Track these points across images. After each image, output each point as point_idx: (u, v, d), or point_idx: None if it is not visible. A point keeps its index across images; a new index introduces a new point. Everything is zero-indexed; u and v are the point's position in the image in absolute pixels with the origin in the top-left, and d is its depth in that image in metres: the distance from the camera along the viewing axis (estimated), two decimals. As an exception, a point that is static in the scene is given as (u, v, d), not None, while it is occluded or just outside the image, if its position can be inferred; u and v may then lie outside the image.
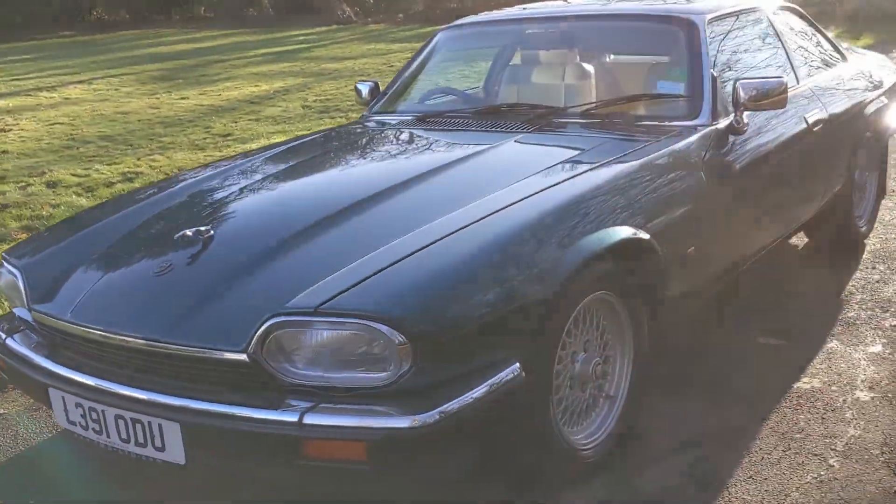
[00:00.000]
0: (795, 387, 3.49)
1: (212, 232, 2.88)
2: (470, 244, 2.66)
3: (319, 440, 2.36)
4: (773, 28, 4.41)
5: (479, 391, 2.43)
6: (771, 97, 3.58)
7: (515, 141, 3.61)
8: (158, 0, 31.35)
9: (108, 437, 2.65)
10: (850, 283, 4.51)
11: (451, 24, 4.64)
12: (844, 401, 3.36)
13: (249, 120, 10.22)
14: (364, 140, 4.05)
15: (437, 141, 3.85)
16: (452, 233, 2.72)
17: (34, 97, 13.37)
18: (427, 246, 2.64)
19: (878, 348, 3.78)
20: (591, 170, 3.19)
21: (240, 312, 2.52)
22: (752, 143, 3.76)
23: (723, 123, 3.63)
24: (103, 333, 2.69)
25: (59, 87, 14.32)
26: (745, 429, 3.21)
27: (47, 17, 33.21)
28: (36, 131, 10.30)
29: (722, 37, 4.07)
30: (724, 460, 3.01)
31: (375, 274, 2.52)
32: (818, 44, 4.87)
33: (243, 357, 2.45)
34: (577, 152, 3.41)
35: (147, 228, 3.17)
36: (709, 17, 3.97)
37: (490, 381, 2.46)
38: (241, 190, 3.42)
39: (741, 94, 3.58)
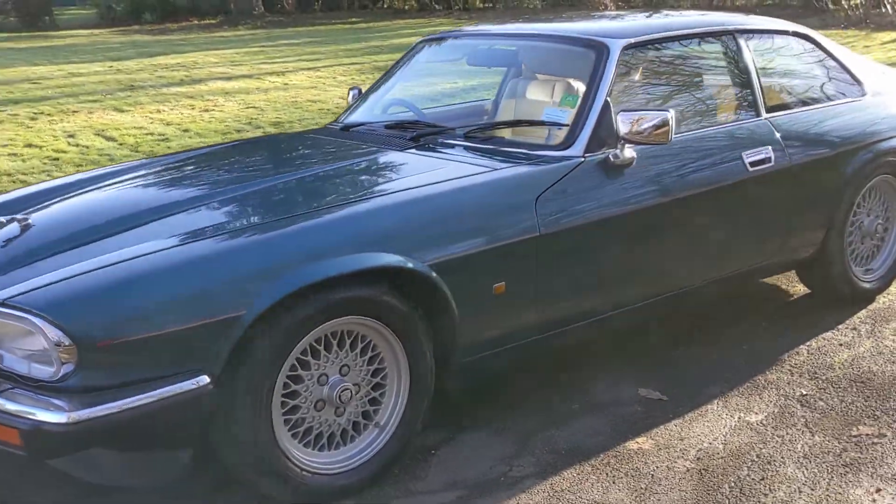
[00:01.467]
0: (623, 445, 3.30)
1: (29, 221, 3.16)
2: (188, 255, 2.77)
3: None
4: (741, 54, 4.07)
5: (148, 397, 2.56)
6: (651, 131, 3.38)
7: (379, 157, 3.66)
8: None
9: None
10: (810, 342, 4.10)
11: (426, 38, 4.65)
12: (656, 468, 3.14)
13: (409, 116, 10.55)
14: (257, 149, 4.21)
15: (316, 153, 3.94)
16: (184, 244, 2.83)
17: (261, 80, 14.47)
18: (146, 255, 2.78)
19: (758, 418, 3.46)
20: (394, 192, 3.20)
21: None
22: (642, 180, 3.54)
23: (600, 157, 3.45)
24: None
25: (289, 73, 15.38)
26: (524, 481, 3.09)
27: (343, 4, 35.50)
28: (229, 113, 11.20)
29: (651, 63, 3.86)
30: (469, 508, 2.93)
31: (75, 276, 2.70)
32: (816, 74, 4.43)
33: None
34: (408, 173, 3.41)
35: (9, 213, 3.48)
36: (632, 41, 3.77)
37: (164, 390, 2.58)
38: (100, 187, 3.66)
39: (620, 126, 3.41)
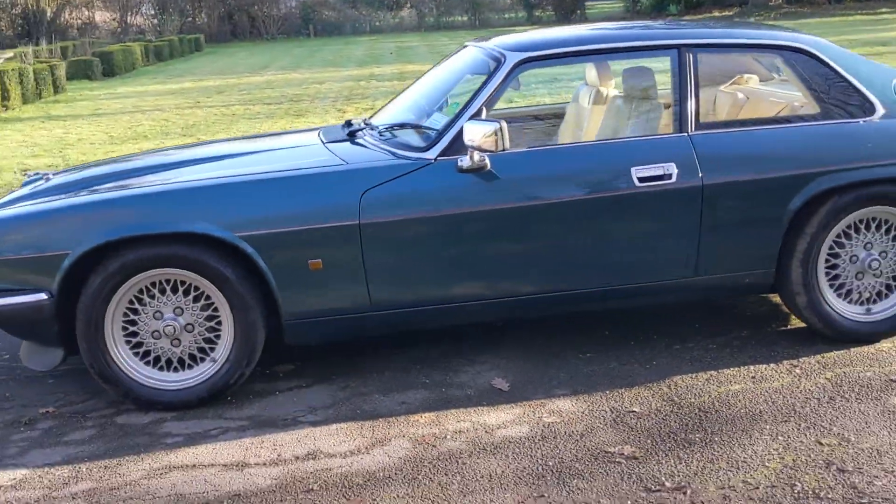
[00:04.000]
0: (405, 416, 3.70)
1: (50, 176, 4.47)
2: (42, 207, 3.90)
3: None
4: (678, 69, 4.02)
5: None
6: (482, 139, 3.71)
7: (294, 148, 4.49)
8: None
9: None
10: (728, 369, 3.96)
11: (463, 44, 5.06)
12: (395, 435, 3.54)
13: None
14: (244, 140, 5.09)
15: (268, 142, 4.84)
16: (52, 199, 3.96)
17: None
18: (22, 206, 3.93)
19: (550, 420, 3.63)
20: (237, 175, 4.00)
21: None
22: (492, 185, 3.81)
23: (450, 161, 3.84)
24: None
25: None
26: (298, 424, 3.69)
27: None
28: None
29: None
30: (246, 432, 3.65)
31: None
32: (803, 92, 4.12)
33: None
34: (281, 161, 4.19)
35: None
36: (531, 54, 4.02)
37: (13, 299, 3.72)
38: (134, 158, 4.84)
39: (464, 134, 3.79)
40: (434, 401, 3.83)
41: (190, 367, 3.90)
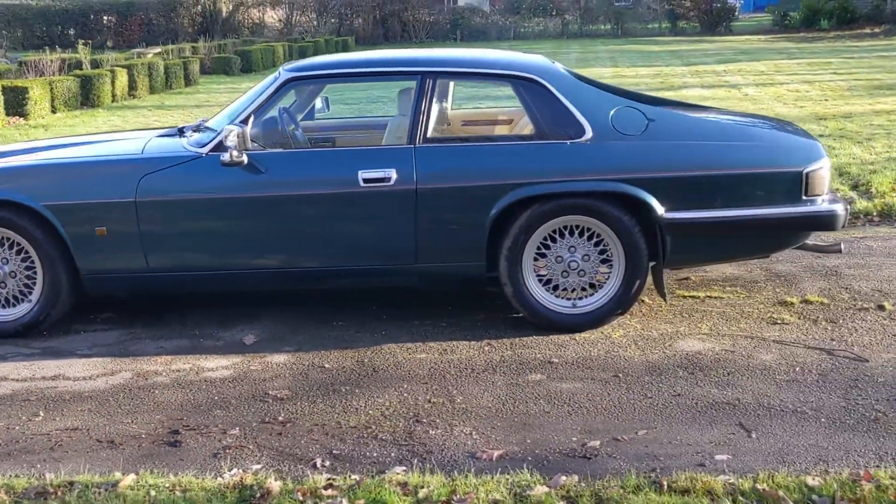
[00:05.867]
0: (151, 358, 4.66)
1: None
2: None
3: None
4: (419, 92, 4.77)
5: None
6: (225, 140, 4.61)
7: (128, 139, 5.44)
8: None
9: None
10: (425, 342, 4.69)
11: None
12: (139, 368, 4.51)
13: None
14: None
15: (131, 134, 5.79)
16: None
17: (728, 91, 15.05)
18: None
19: (254, 366, 4.50)
20: (55, 158, 5.05)
21: None
22: (246, 178, 4.68)
23: (216, 157, 4.75)
24: None
25: (783, 84, 15.53)
26: (93, 354, 4.71)
27: None
28: None
29: (316, 92, 4.92)
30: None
31: None
32: (523, 115, 4.81)
33: None
34: (109, 149, 5.17)
35: None
36: (299, 73, 4.90)
37: None
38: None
39: (222, 135, 4.71)
40: (185, 348, 4.74)
41: (14, 305, 4.96)
